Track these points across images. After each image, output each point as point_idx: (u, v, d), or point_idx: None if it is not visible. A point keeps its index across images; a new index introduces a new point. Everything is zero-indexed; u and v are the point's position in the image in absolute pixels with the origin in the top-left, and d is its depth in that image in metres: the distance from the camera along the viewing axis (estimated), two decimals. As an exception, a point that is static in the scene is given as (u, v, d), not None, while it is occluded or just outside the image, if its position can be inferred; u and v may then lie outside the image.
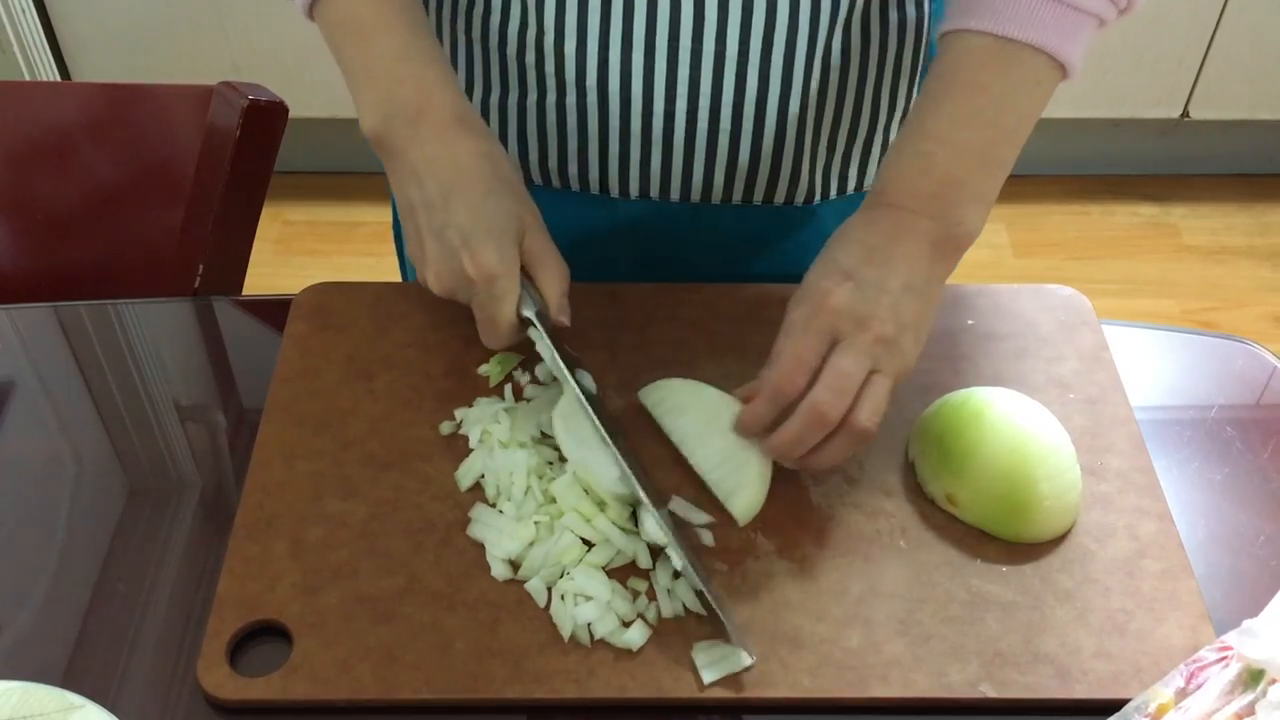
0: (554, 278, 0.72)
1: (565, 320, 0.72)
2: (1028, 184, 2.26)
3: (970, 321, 0.81)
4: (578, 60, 0.78)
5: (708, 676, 0.62)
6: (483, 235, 0.69)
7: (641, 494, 0.66)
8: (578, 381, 0.71)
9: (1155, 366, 0.82)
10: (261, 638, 0.64)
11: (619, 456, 0.68)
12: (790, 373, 0.66)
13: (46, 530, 0.72)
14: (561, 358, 0.71)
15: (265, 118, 1.03)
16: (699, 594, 0.64)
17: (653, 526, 0.65)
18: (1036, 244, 2.19)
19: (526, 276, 0.71)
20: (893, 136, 0.86)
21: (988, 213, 0.70)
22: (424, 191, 0.70)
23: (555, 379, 0.74)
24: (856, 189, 0.87)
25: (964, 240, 0.69)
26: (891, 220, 0.68)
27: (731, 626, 0.62)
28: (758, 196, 0.84)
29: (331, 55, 0.74)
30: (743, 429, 0.69)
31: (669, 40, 0.76)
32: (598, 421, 0.69)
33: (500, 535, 0.67)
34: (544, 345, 0.72)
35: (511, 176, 0.72)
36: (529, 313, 0.71)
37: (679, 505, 0.69)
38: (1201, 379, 0.82)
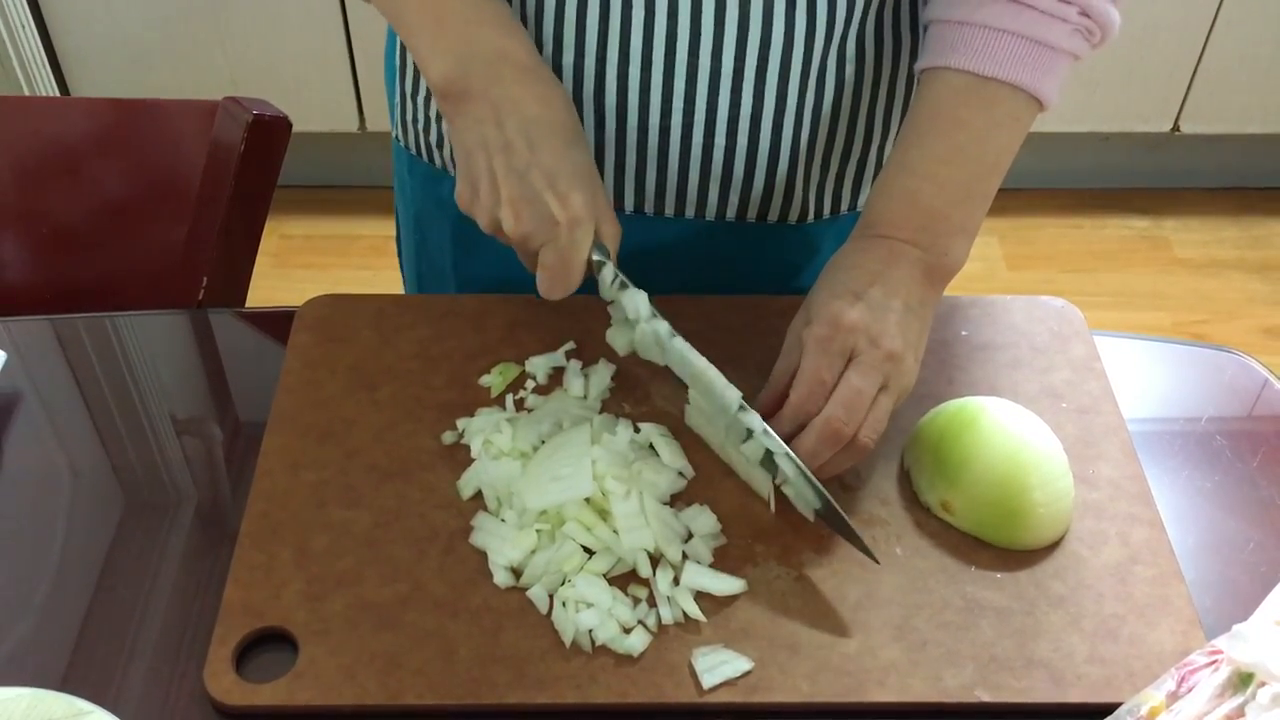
0: (615, 232, 0.73)
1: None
2: (1020, 197, 2.28)
3: (964, 332, 0.83)
4: (574, 74, 0.79)
5: (707, 682, 0.63)
6: (570, 179, 0.69)
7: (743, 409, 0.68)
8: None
9: (1146, 377, 0.83)
10: (267, 644, 0.65)
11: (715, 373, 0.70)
12: (813, 393, 0.68)
13: (45, 541, 0.72)
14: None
15: (269, 132, 1.04)
16: (820, 495, 0.67)
17: (761, 434, 0.68)
18: (1029, 257, 2.21)
19: None
20: (885, 158, 0.87)
21: (971, 243, 0.73)
22: (504, 132, 0.70)
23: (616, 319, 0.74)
24: (850, 209, 0.89)
25: (950, 269, 0.72)
26: (885, 248, 0.71)
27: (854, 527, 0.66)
28: (752, 214, 0.85)
29: (389, 20, 0.73)
30: None
31: (665, 56, 0.77)
32: (686, 344, 0.71)
33: (502, 543, 0.68)
34: (627, 287, 0.72)
35: (583, 130, 0.73)
36: (600, 255, 0.71)
37: (692, 512, 0.70)
38: (1192, 389, 0.84)
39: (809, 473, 0.67)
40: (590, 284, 0.73)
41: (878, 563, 0.67)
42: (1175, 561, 0.69)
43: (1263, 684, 0.54)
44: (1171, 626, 0.65)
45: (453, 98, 0.71)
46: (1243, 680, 0.55)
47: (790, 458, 0.67)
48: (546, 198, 0.69)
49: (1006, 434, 0.70)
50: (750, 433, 0.68)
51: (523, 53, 0.71)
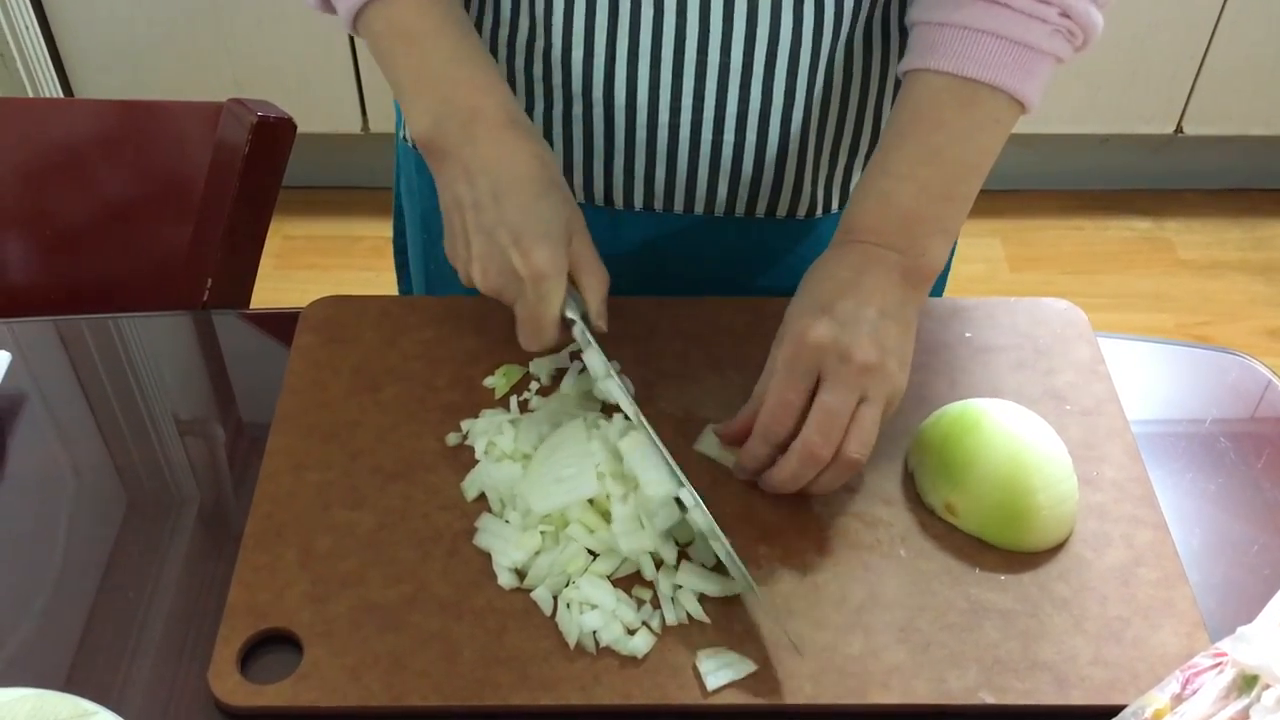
0: (597, 283, 0.73)
1: (603, 325, 0.73)
2: (1022, 199, 2.28)
3: (968, 334, 0.83)
4: (584, 72, 0.79)
5: (712, 683, 0.63)
6: (534, 235, 0.69)
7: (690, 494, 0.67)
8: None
9: (1150, 379, 0.83)
10: (271, 646, 0.65)
11: (668, 457, 0.69)
12: (777, 415, 0.68)
13: (48, 542, 0.72)
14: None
15: (274, 133, 1.04)
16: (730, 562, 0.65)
17: (699, 516, 0.66)
18: (1031, 258, 2.21)
19: (570, 280, 0.72)
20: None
21: (950, 244, 0.73)
22: (475, 191, 0.71)
23: (580, 382, 0.75)
24: None
25: (930, 270, 0.72)
26: (859, 254, 0.71)
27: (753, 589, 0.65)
28: (761, 209, 0.85)
29: (378, 65, 0.75)
30: (741, 470, 0.72)
31: (675, 52, 0.77)
32: (642, 419, 0.70)
33: (506, 545, 0.68)
34: (589, 346, 0.73)
35: (560, 180, 0.73)
36: (573, 314, 0.72)
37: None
38: (1196, 391, 0.84)
39: (737, 560, 0.65)
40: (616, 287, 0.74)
41: (800, 654, 0.64)
42: (1179, 564, 0.69)
43: (1267, 686, 0.54)
44: (1176, 629, 0.65)
45: (431, 155, 0.73)
46: (1247, 683, 0.55)
47: (719, 538, 0.65)
48: (511, 254, 0.70)
49: (1010, 436, 0.70)
50: (683, 507, 0.67)
51: (497, 111, 0.72)
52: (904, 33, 0.81)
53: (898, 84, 0.84)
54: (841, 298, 0.69)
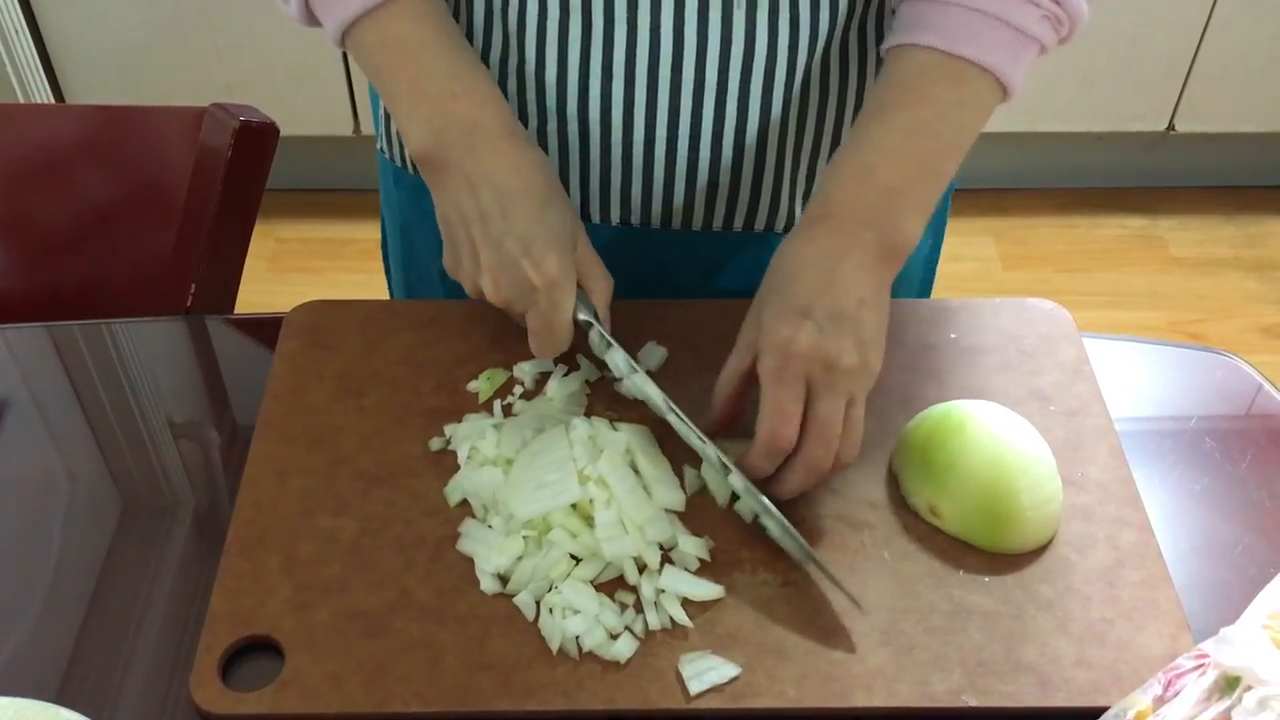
0: (602, 287, 0.74)
1: (606, 329, 0.74)
2: (1015, 197, 2.28)
3: (953, 335, 0.82)
4: (559, 89, 0.79)
5: (694, 688, 0.62)
6: (544, 243, 0.70)
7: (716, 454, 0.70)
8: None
9: (1136, 379, 0.83)
10: (253, 653, 0.65)
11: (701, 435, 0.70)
12: (778, 427, 0.67)
13: (41, 548, 0.72)
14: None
15: (256, 138, 1.04)
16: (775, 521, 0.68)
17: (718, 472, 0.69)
18: (1024, 257, 2.21)
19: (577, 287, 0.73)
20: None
21: (926, 221, 0.72)
22: (479, 203, 0.71)
23: (604, 379, 0.76)
24: None
25: (905, 247, 0.71)
26: (835, 235, 0.69)
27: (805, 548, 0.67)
28: (737, 223, 0.85)
29: (368, 78, 0.74)
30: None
31: (649, 68, 0.77)
32: (672, 404, 0.71)
33: (489, 550, 0.68)
34: (611, 346, 0.73)
35: (560, 187, 0.73)
36: (587, 316, 0.72)
37: (682, 541, 0.70)
38: (1181, 391, 0.84)
39: (793, 531, 0.67)
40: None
41: (861, 609, 0.66)
42: (1164, 565, 0.68)
43: (1249, 688, 0.54)
44: (1159, 630, 0.65)
45: (430, 169, 0.73)
46: (1229, 684, 0.55)
47: (773, 514, 0.67)
48: (523, 264, 0.70)
49: (994, 437, 0.70)
50: (735, 495, 0.70)
51: (496, 123, 0.72)
52: (879, 48, 0.81)
53: None
54: (819, 295, 0.68)
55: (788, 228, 0.86)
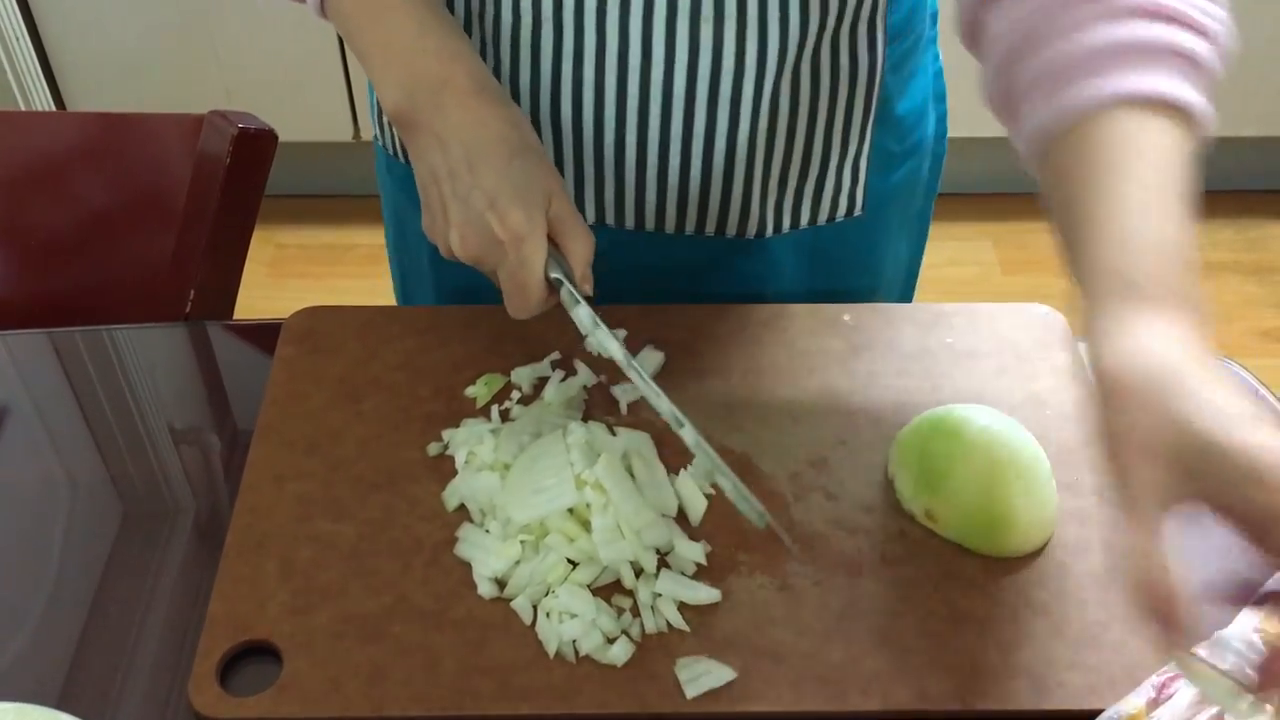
0: (580, 245, 0.71)
1: (588, 289, 0.71)
2: (1016, 202, 2.28)
3: (949, 340, 0.83)
4: (532, 92, 0.79)
5: (691, 691, 0.63)
6: (509, 197, 0.68)
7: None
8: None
9: (1132, 383, 0.83)
10: (252, 657, 0.65)
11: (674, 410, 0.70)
12: None
13: (41, 553, 0.73)
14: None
15: (255, 145, 1.04)
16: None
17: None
18: (1024, 261, 2.21)
19: (553, 244, 0.71)
20: (845, 176, 0.86)
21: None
22: (448, 158, 0.70)
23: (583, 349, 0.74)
24: (809, 223, 0.88)
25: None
26: (1176, 327, 0.56)
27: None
28: (709, 228, 0.85)
29: (349, 47, 0.74)
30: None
31: (618, 78, 0.77)
32: (634, 364, 0.70)
33: (487, 554, 0.68)
34: (577, 304, 0.71)
35: (536, 144, 0.72)
36: (557, 274, 0.70)
37: (679, 546, 0.70)
38: (1177, 394, 0.84)
39: (746, 492, 0.67)
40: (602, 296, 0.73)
41: (791, 550, 0.68)
42: (1159, 568, 0.69)
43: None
44: (1154, 634, 0.65)
45: (404, 128, 0.72)
46: (1223, 687, 0.55)
47: (726, 474, 0.67)
48: (488, 218, 0.68)
49: (990, 442, 0.70)
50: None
51: (466, 79, 0.71)
52: (853, 60, 0.80)
53: (848, 108, 0.83)
54: (1229, 392, 0.54)
55: (759, 234, 0.86)
